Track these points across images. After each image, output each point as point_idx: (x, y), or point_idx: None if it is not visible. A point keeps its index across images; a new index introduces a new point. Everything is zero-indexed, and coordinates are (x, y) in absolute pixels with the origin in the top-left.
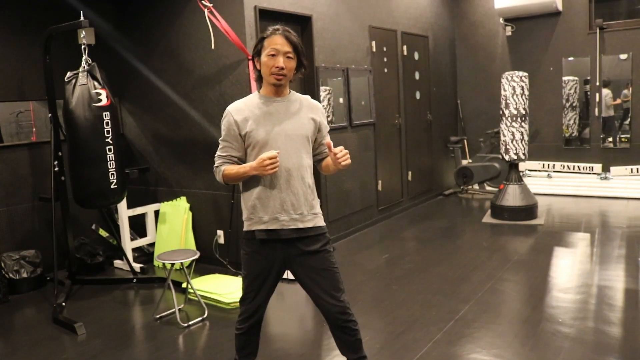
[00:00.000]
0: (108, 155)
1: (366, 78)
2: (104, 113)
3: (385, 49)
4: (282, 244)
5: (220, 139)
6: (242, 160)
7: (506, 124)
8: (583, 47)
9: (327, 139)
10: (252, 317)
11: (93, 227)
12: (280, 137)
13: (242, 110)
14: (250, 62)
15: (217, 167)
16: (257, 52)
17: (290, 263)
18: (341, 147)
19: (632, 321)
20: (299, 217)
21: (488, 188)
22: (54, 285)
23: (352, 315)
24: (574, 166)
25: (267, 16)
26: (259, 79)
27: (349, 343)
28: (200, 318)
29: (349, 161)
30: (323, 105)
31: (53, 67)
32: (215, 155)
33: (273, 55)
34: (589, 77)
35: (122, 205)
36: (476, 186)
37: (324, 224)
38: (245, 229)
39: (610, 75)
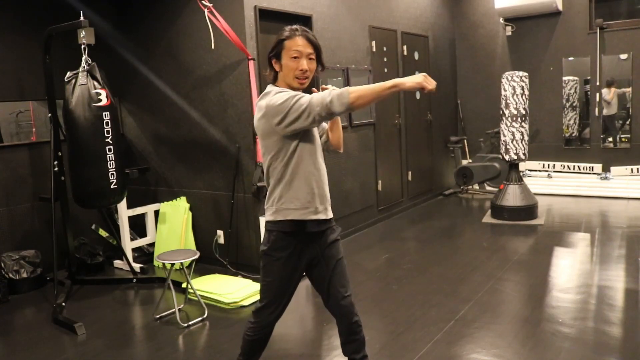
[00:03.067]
0: (108, 155)
1: (366, 78)
2: (104, 113)
3: (385, 49)
4: (311, 238)
5: (290, 100)
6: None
7: (506, 124)
8: (583, 47)
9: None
10: (268, 327)
11: (93, 227)
12: (311, 139)
13: None
14: (251, 62)
15: (334, 92)
16: (277, 54)
17: (319, 253)
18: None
19: (632, 321)
20: (327, 208)
21: (488, 188)
22: (54, 285)
23: (357, 313)
24: (574, 166)
25: (267, 16)
26: (275, 80)
27: (356, 342)
28: (200, 318)
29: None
30: None
31: (53, 67)
32: (302, 104)
33: (296, 57)
34: (589, 77)
35: (122, 205)
36: (476, 186)
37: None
38: (293, 217)
39: (610, 75)
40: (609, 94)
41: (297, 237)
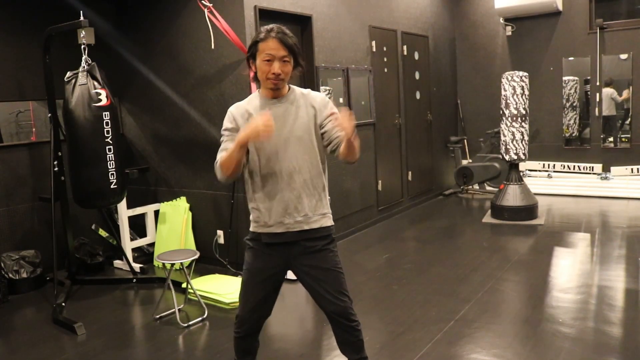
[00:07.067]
0: (108, 155)
1: (366, 78)
2: (104, 113)
3: (385, 49)
4: (286, 245)
5: (222, 137)
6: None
7: (506, 124)
8: (583, 47)
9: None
10: (248, 323)
11: (93, 227)
12: (280, 141)
13: (242, 112)
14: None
15: (216, 162)
16: (252, 55)
17: (294, 262)
18: (338, 116)
19: (632, 321)
20: (303, 219)
21: (488, 188)
22: (53, 285)
23: (355, 316)
24: (574, 166)
25: (267, 16)
26: (256, 79)
27: (351, 343)
28: (200, 318)
29: (347, 126)
30: None
31: (53, 67)
32: (217, 160)
33: (268, 60)
34: (589, 77)
35: (122, 205)
36: (476, 186)
37: (331, 224)
38: (251, 229)
39: (610, 75)
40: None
41: (259, 244)
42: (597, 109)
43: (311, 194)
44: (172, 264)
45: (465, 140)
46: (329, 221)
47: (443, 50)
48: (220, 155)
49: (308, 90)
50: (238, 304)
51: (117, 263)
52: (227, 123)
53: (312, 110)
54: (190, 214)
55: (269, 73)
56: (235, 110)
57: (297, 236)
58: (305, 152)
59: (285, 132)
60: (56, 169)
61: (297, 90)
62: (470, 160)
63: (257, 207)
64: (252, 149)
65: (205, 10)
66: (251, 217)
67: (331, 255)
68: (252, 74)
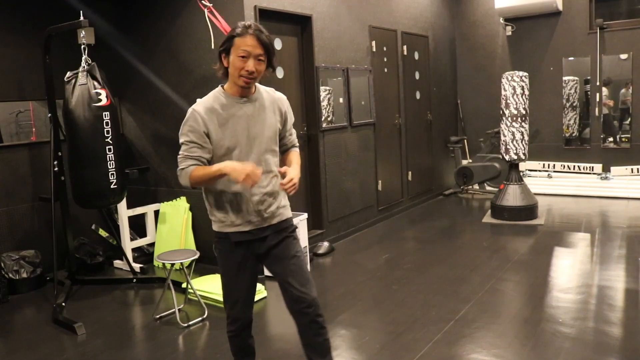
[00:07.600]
0: (108, 155)
1: (366, 78)
2: (104, 113)
3: (385, 49)
4: (255, 240)
5: (185, 139)
6: (210, 163)
7: (506, 124)
8: (583, 47)
9: (292, 137)
10: (240, 319)
11: (93, 227)
12: (249, 140)
13: (208, 111)
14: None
15: (183, 169)
16: (226, 50)
17: (263, 255)
18: (289, 178)
19: (632, 321)
20: (269, 215)
21: (488, 188)
22: (54, 285)
23: (321, 310)
24: (574, 166)
25: (267, 16)
26: (225, 76)
27: (318, 344)
28: (200, 318)
29: (292, 192)
30: (323, 106)
31: (53, 67)
32: (180, 156)
33: (243, 57)
34: (589, 77)
35: (122, 205)
36: (476, 186)
37: (291, 215)
38: (216, 229)
39: (610, 75)
40: (626, 95)
41: (227, 242)
42: (597, 109)
43: (274, 191)
44: (172, 264)
45: (465, 140)
46: (289, 212)
47: (443, 50)
48: (191, 168)
49: (272, 90)
50: (223, 303)
51: (117, 263)
52: (193, 131)
53: (279, 114)
54: (190, 214)
55: (242, 70)
56: (203, 112)
57: (264, 231)
58: (270, 152)
59: (254, 132)
60: (56, 169)
61: (262, 89)
62: (470, 160)
63: (225, 207)
64: (219, 148)
65: (205, 10)
66: (215, 218)
67: (295, 242)
68: (221, 71)
